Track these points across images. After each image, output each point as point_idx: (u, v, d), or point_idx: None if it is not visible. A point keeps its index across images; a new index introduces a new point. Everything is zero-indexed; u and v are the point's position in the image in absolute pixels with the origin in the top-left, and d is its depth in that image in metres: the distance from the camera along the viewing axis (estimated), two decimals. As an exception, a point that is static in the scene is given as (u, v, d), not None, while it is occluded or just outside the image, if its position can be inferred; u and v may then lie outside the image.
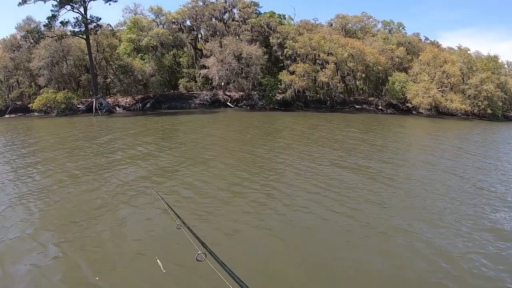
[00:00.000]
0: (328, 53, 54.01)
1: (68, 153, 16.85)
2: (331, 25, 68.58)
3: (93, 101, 43.04)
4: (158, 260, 5.38)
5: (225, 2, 57.20)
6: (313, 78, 52.81)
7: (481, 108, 65.74)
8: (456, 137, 31.61)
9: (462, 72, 64.27)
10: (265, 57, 51.65)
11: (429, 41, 79.16)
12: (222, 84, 49.66)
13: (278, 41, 54.37)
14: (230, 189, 11.52)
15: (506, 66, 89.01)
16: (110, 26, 54.80)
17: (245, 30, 54.25)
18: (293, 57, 54.08)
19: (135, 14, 56.33)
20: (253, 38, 53.55)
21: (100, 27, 47.40)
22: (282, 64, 56.14)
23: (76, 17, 43.34)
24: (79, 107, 44.54)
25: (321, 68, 53.39)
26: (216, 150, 17.99)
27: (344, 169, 14.72)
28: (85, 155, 16.29)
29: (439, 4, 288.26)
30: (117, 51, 48.94)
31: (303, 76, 51.17)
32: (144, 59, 50.35)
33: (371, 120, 45.72)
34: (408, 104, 60.67)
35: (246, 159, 15.60)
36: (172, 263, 6.48)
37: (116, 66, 48.17)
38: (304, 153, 17.42)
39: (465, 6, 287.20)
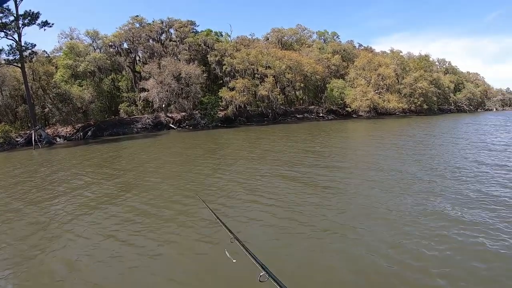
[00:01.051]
0: (266, 66, 56.06)
1: (9, 189, 17.03)
2: (267, 39, 70.93)
3: (32, 133, 42.07)
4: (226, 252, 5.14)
5: (162, 22, 57.97)
6: (253, 92, 54.70)
7: (417, 104, 69.97)
8: (392, 135, 34.12)
9: (396, 73, 68.11)
10: (204, 75, 53.02)
11: (363, 47, 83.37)
12: (163, 106, 50.30)
13: (216, 58, 55.82)
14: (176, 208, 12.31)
15: (437, 63, 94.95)
16: (46, 52, 54.12)
17: (183, 49, 55.27)
18: (232, 73, 55.76)
19: (71, 39, 55.55)
20: (191, 57, 54.62)
21: (36, 54, 46.34)
22: (221, 81, 57.74)
23: (10, 44, 42.24)
24: (17, 141, 43.30)
25: (260, 82, 55.53)
26: (160, 173, 18.64)
27: (286, 179, 15.91)
28: (27, 190, 16.51)
29: (371, 13, 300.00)
30: (54, 79, 48.30)
31: (243, 92, 52.87)
32: (82, 86, 50.19)
33: (312, 127, 47.69)
34: (348, 109, 63.76)
35: (192, 180, 16.34)
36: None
37: (54, 94, 47.48)
38: (249, 168, 18.41)
39: (396, 12, 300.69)
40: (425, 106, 71.11)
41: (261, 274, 3.05)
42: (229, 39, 65.66)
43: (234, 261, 4.37)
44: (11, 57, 43.12)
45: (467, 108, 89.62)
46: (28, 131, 44.44)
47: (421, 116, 67.12)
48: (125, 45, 56.48)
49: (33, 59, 45.94)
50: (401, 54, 76.97)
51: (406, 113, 70.32)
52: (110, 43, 55.20)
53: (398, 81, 68.59)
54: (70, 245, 9.49)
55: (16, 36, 42.39)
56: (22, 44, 42.82)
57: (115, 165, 22.48)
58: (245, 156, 23.52)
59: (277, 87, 56.55)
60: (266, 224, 9.99)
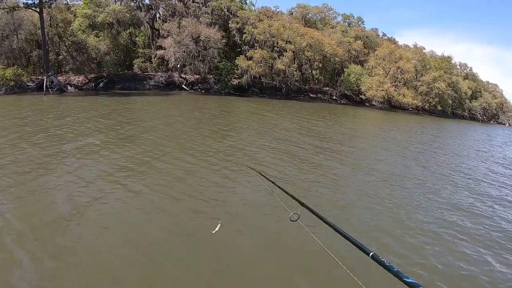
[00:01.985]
0: (287, 41, 55.38)
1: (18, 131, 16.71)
2: (292, 13, 70.19)
3: (44, 79, 41.72)
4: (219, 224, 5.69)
5: (187, -18, 56.74)
6: (270, 65, 54.18)
7: (431, 104, 69.16)
8: (405, 129, 33.92)
9: (416, 69, 67.31)
10: (223, 41, 52.37)
11: (386, 37, 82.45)
12: (178, 66, 49.93)
13: (238, 26, 55.13)
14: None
15: (458, 66, 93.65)
16: (65, 0, 53.31)
17: (205, 12, 54.47)
18: (251, 43, 55.14)
19: (92, -12, 54.75)
20: (212, 21, 53.98)
21: (55, 1, 45.97)
22: (240, 49, 57.02)
23: None
24: (29, 85, 43.01)
25: (278, 56, 54.94)
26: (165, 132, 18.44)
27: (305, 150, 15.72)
28: (47, 141, 16.17)
29: (400, 2, 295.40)
30: (71, 27, 47.75)
31: (260, 63, 52.34)
32: (99, 37, 49.63)
33: (324, 109, 47.34)
34: (362, 96, 63.01)
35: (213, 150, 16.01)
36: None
37: (70, 42, 47.14)
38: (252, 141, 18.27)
39: (425, 4, 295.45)
40: (439, 107, 70.33)
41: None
42: (253, 8, 64.97)
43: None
44: (30, 1, 42.62)
45: (480, 117, 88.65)
46: (40, 77, 44.13)
47: (433, 117, 66.62)
48: (147, 1, 55.74)
49: (52, 6, 45.51)
50: (423, 50, 75.98)
51: (419, 110, 69.75)
52: (132, -3, 54.50)
53: (417, 77, 67.73)
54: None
55: (36, -20, 42.00)
56: (42, -11, 42.40)
57: (123, 118, 22.33)
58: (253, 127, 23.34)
59: (294, 63, 55.98)
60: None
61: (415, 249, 7.87)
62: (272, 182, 4.48)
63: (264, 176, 4.99)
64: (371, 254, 2.36)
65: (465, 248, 8.27)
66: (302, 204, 3.57)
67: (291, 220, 3.47)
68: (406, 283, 2.01)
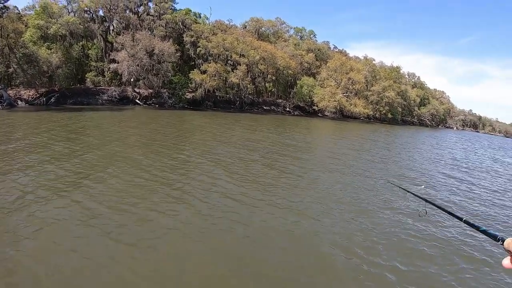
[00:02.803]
0: (241, 54, 56.70)
1: None
2: (245, 27, 71.64)
3: (-6, 94, 40.96)
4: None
5: (142, -6, 56.97)
6: (224, 78, 55.43)
7: (382, 112, 72.45)
8: (354, 137, 36.16)
9: (366, 80, 70.19)
10: (178, 54, 53.07)
11: (337, 50, 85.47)
12: (132, 80, 50.01)
13: (192, 39, 56.03)
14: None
15: (407, 76, 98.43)
16: (17, 9, 52.42)
17: (159, 25, 55.08)
18: (205, 56, 56.30)
19: (45, -2, 53.88)
20: (166, 35, 54.71)
21: (7, 10, 44.72)
22: (194, 62, 58.01)
23: None
24: (-23, 100, 41.99)
25: (232, 69, 56.37)
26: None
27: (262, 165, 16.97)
28: None
29: (350, 17, 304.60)
30: (22, 38, 46.75)
31: (214, 76, 53.47)
32: (51, 49, 48.98)
33: (278, 121, 48.96)
34: (315, 107, 65.15)
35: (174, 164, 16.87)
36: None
37: (21, 54, 46.06)
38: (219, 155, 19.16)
39: (375, 20, 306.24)
40: (389, 115, 73.83)
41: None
42: (207, 21, 65.69)
43: None
44: (-20, 10, 41.73)
45: (429, 123, 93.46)
46: (-12, 91, 43.18)
47: (384, 124, 69.91)
48: (101, 13, 55.49)
49: (4, 15, 44.50)
50: (373, 62, 79.32)
51: (370, 119, 72.90)
52: (86, 8, 53.96)
53: (367, 87, 70.81)
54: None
55: (-13, -12, 41.12)
56: (-6, -3, 41.54)
57: (79, 139, 22.55)
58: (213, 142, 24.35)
59: (248, 76, 57.55)
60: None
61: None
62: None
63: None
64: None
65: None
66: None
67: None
68: None
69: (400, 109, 78.23)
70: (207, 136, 27.16)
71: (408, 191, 4.28)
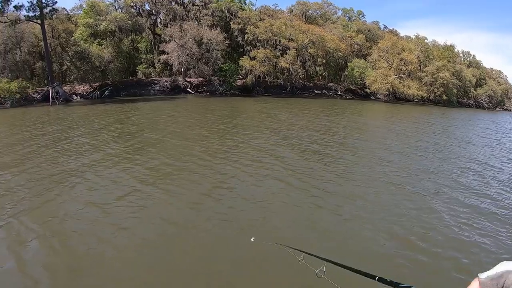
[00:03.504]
0: (289, 39, 55.37)
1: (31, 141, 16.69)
2: (292, 11, 70.23)
3: (49, 90, 41.65)
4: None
5: (186, -14, 56.83)
6: (274, 63, 54.23)
7: (437, 94, 68.93)
8: (411, 120, 34.03)
9: (419, 60, 67.12)
10: (226, 42, 52.56)
11: (387, 30, 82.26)
12: (182, 69, 49.88)
13: (239, 26, 55.28)
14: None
15: (461, 55, 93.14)
16: (66, 10, 53.46)
17: (205, 15, 54.57)
18: (253, 42, 55.29)
19: (92, -3, 54.83)
20: (213, 23, 54.06)
21: (56, 11, 45.69)
22: (242, 49, 57.16)
23: (31, 1, 41.62)
24: (34, 97, 42.86)
25: (281, 54, 54.97)
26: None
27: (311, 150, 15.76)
28: (47, 143, 16.22)
29: None
30: (73, 37, 47.82)
31: (264, 62, 52.43)
32: (101, 45, 49.93)
33: (330, 105, 47.29)
34: (367, 90, 62.91)
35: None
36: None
37: (73, 52, 47.22)
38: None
39: None
40: (444, 97, 70.01)
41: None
42: (253, 8, 65.01)
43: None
44: (31, 14, 42.48)
45: (486, 105, 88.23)
46: (44, 88, 44.11)
47: (438, 107, 66.39)
48: (147, 7, 55.81)
49: (53, 16, 45.29)
50: (426, 41, 75.69)
51: (424, 101, 69.47)
52: (132, 4, 54.36)
53: (420, 68, 67.49)
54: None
55: (36, -8, 41.94)
56: (43, 0, 42.26)
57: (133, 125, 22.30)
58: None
59: (298, 61, 55.97)
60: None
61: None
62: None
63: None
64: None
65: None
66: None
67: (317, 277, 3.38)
68: None
69: (455, 91, 74.04)
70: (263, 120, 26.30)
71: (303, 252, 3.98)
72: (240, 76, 53.38)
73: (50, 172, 11.88)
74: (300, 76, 56.73)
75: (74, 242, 7.24)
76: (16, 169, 12.31)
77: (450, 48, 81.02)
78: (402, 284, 2.26)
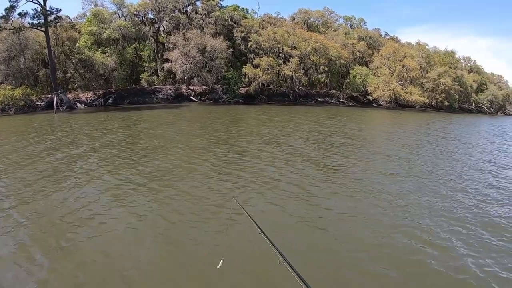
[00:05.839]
0: (292, 46, 55.61)
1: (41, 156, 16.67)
2: (293, 19, 70.50)
3: (53, 97, 41.65)
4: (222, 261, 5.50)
5: (189, -6, 57.00)
6: (277, 71, 54.34)
7: (438, 100, 69.05)
8: (413, 127, 34.03)
9: (420, 66, 67.26)
10: (229, 50, 52.60)
11: (389, 36, 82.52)
12: (186, 78, 50.02)
13: (242, 34, 55.43)
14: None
15: (462, 60, 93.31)
16: (69, 18, 53.75)
17: (208, 23, 54.82)
18: (256, 50, 55.42)
19: (95, 6, 55.14)
20: (216, 32, 54.24)
21: (60, 19, 45.94)
22: (245, 57, 57.31)
23: (35, 8, 41.78)
24: (38, 104, 42.95)
25: (284, 62, 55.13)
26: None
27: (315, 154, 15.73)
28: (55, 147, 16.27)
29: (400, 0, 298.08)
30: (77, 45, 47.90)
31: (267, 70, 52.51)
32: (105, 53, 49.93)
33: (332, 112, 47.26)
34: (369, 97, 63.01)
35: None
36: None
37: (77, 60, 47.37)
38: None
39: (425, 3, 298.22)
40: (446, 103, 70.09)
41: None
42: (255, 16, 65.12)
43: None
44: (35, 21, 42.60)
45: (487, 110, 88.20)
46: (48, 95, 44.15)
47: (441, 113, 66.47)
48: (150, 15, 56.05)
49: (57, 24, 45.48)
50: (427, 47, 75.89)
51: (427, 107, 69.60)
52: (135, 12, 54.72)
53: (422, 74, 67.65)
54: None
55: (41, 0, 42.11)
56: (47, 8, 42.45)
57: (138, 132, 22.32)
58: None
59: (300, 68, 56.05)
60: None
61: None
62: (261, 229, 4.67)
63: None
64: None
65: None
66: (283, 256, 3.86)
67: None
68: None
69: (457, 96, 74.05)
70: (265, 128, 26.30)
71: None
72: (243, 84, 53.36)
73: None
74: (303, 84, 56.87)
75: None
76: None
77: (451, 54, 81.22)
78: None
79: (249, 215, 5.19)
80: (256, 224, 4.81)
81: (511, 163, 18.41)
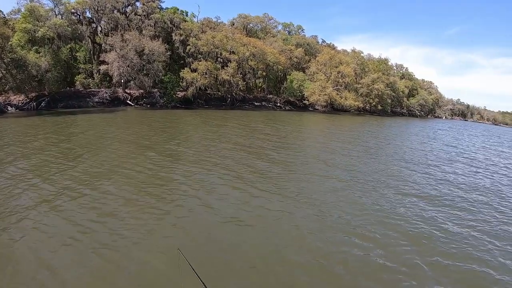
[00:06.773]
0: (231, 51, 56.61)
1: None
2: (233, 24, 71.51)
3: (-20, 101, 40.06)
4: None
5: (129, -6, 56.19)
6: (215, 76, 55.11)
7: (372, 104, 72.89)
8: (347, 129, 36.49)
9: (355, 73, 70.49)
10: (168, 53, 52.53)
11: (326, 44, 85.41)
12: (122, 81, 49.40)
13: (181, 38, 55.72)
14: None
15: (394, 68, 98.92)
16: (2, 13, 51.52)
17: (148, 25, 54.40)
18: (195, 54, 55.82)
19: (31, 1, 52.89)
20: (155, 34, 54.04)
21: None
22: (184, 61, 57.58)
23: None
24: (-38, 107, 41.05)
25: (222, 66, 56.12)
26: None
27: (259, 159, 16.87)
28: None
29: (337, 10, 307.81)
30: (10, 42, 45.86)
31: (205, 74, 53.29)
32: (39, 53, 48.16)
33: (269, 116, 48.88)
34: (305, 101, 65.28)
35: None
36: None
37: (9, 59, 45.11)
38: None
39: (362, 13, 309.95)
40: (379, 107, 74.28)
41: None
42: (195, 20, 65.22)
43: None
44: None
45: (418, 113, 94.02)
46: (-25, 98, 42.30)
47: (374, 116, 70.46)
48: (88, 14, 54.62)
49: (-11, 20, 43.74)
50: (362, 54, 79.67)
51: (361, 111, 73.44)
52: (73, 10, 53.09)
53: (357, 80, 71.15)
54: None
55: (-30, -8, 40.39)
56: (-23, 2, 40.77)
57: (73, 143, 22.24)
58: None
59: (238, 73, 57.39)
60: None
61: None
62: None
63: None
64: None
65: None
66: None
67: None
68: None
69: (389, 101, 78.68)
70: (200, 133, 27.21)
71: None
72: (181, 88, 53.53)
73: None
74: (241, 88, 57.98)
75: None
76: None
77: (384, 61, 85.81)
78: None
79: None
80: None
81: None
